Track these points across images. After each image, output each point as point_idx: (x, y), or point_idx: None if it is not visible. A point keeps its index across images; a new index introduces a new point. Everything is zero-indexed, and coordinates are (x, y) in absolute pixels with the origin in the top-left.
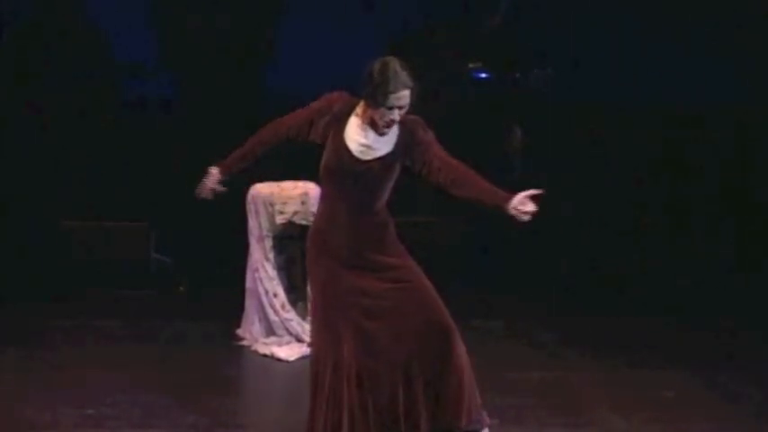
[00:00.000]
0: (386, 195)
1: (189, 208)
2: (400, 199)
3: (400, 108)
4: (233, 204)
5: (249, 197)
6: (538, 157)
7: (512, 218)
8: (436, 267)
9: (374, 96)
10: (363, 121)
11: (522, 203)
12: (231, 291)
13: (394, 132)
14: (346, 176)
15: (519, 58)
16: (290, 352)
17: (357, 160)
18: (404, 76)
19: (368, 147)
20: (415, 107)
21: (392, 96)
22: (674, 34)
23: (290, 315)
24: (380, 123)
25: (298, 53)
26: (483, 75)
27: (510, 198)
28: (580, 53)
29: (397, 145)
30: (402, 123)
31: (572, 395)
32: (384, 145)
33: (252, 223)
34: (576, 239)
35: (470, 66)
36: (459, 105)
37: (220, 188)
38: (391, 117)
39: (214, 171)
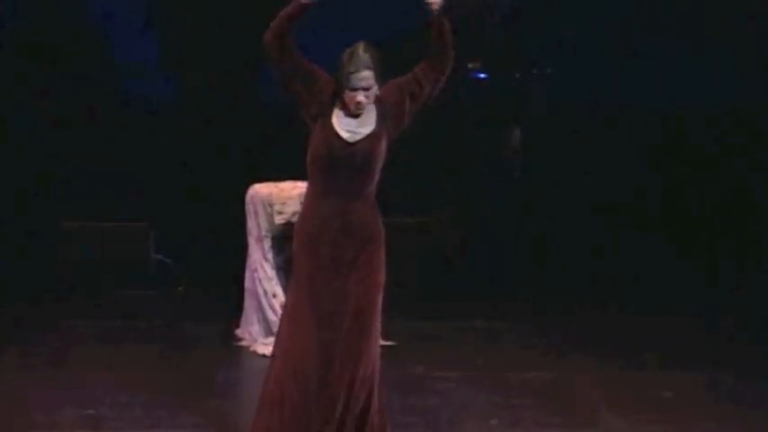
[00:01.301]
0: (376, 177)
1: (188, 208)
2: (399, 200)
3: (365, 90)
4: (232, 205)
5: (248, 197)
6: (536, 157)
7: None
8: (436, 268)
9: (340, 79)
10: (341, 108)
11: None
12: (230, 291)
13: (372, 110)
14: (338, 162)
15: (518, 59)
16: None
17: (347, 143)
18: (365, 57)
19: (353, 131)
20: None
21: (353, 77)
22: (674, 34)
23: None
24: (351, 106)
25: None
26: (482, 75)
27: None
28: (579, 54)
29: (378, 121)
30: (376, 99)
31: (571, 396)
32: (367, 125)
33: (251, 223)
34: (575, 239)
35: (469, 66)
36: (458, 106)
37: None
38: (357, 99)
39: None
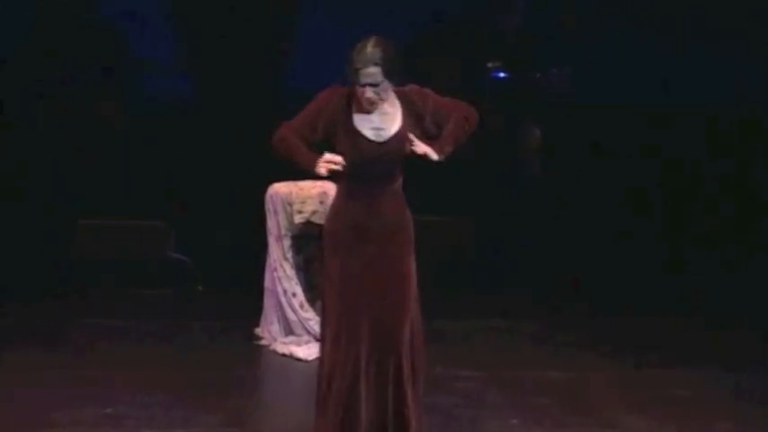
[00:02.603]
0: (401, 170)
1: (207, 207)
2: (412, 198)
3: (372, 86)
4: (252, 204)
5: (267, 196)
6: (555, 155)
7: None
8: (451, 267)
9: (349, 75)
10: (358, 108)
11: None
12: (250, 290)
13: (397, 107)
14: (368, 162)
15: (537, 58)
16: (308, 351)
17: (375, 144)
18: (373, 53)
19: (378, 129)
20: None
21: (360, 73)
22: (697, 31)
23: (309, 314)
24: (363, 102)
25: (318, 52)
26: (501, 74)
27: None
28: (599, 53)
29: (404, 117)
30: (401, 96)
31: (589, 395)
32: (392, 122)
33: (270, 223)
34: (592, 238)
35: (489, 65)
36: (478, 105)
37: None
38: (366, 95)
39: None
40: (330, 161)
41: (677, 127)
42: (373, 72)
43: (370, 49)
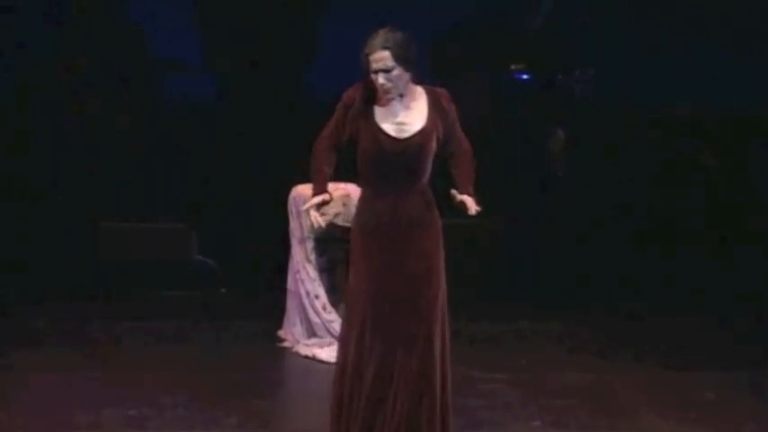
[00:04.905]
0: (428, 170)
1: (231, 209)
2: (444, 202)
3: (385, 71)
4: (275, 206)
5: (290, 198)
6: (579, 158)
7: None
8: (478, 270)
9: (363, 66)
10: (379, 102)
11: (470, 205)
12: (273, 292)
13: (423, 103)
14: (388, 159)
15: (561, 60)
16: (331, 354)
17: (397, 140)
18: (383, 38)
19: (402, 123)
20: (460, 107)
21: (371, 59)
22: (721, 35)
23: (332, 316)
24: (379, 90)
25: (340, 54)
26: (525, 76)
27: (463, 196)
28: (622, 55)
29: (430, 115)
30: (429, 93)
31: (614, 397)
32: (417, 118)
33: (293, 225)
34: (618, 241)
35: (513, 67)
36: (502, 107)
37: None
38: (379, 81)
39: (316, 204)
40: (314, 216)
41: (709, 128)
42: (383, 56)
43: (381, 34)
